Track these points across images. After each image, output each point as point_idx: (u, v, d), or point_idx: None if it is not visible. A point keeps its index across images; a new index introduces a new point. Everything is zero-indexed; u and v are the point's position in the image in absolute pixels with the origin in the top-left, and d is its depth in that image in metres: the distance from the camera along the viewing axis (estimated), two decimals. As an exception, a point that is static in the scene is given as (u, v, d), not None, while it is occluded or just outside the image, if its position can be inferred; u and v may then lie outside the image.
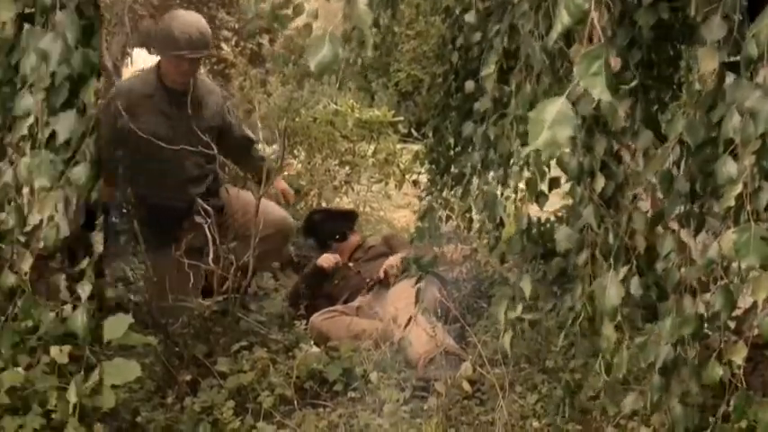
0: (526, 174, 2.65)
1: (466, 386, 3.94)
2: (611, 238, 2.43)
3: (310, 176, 7.18)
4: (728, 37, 2.16)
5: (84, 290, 2.62)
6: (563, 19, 1.90)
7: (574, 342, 2.92)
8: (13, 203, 2.56)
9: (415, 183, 6.56)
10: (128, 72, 7.58)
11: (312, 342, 4.57)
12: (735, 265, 2.26)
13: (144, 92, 4.78)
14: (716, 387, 2.42)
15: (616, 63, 2.17)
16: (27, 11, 2.49)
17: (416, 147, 5.80)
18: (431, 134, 4.52)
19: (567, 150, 2.43)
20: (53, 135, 2.47)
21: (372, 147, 7.61)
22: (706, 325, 2.54)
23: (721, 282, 2.31)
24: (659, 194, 2.42)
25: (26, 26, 2.48)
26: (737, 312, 3.02)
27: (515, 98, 2.66)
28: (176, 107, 4.76)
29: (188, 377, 4.03)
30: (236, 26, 7.75)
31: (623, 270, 2.45)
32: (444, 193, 4.62)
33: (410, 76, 8.16)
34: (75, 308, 2.63)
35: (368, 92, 8.82)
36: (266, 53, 7.81)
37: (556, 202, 3.09)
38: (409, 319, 4.08)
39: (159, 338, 4.11)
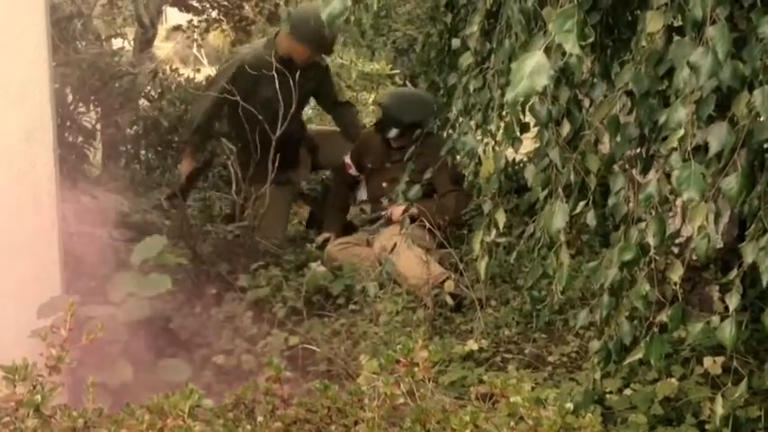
0: (503, 121, 2.65)
1: (449, 300, 3.98)
2: (571, 177, 2.44)
3: (320, 120, 7.16)
4: (673, 2, 2.16)
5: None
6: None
7: (529, 265, 2.93)
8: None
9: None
10: (162, 28, 7.51)
11: (320, 263, 4.58)
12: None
13: (267, 61, 4.86)
14: (658, 303, 2.44)
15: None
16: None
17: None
18: (425, 86, 4.53)
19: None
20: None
21: (372, 95, 7.57)
22: (654, 250, 2.56)
23: (654, 213, 2.32)
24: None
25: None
26: (682, 240, 3.05)
27: (496, 54, 2.65)
28: (290, 73, 4.82)
29: (213, 291, 4.07)
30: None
31: (581, 204, 2.47)
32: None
33: (406, 35, 8.11)
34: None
35: (369, 48, 8.75)
36: (282, 12, 7.73)
37: (528, 145, 3.08)
38: (394, 245, 4.08)
39: (189, 258, 4.15)
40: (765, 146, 2.28)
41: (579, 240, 3.63)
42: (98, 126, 6.79)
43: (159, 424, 2.11)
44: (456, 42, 3.10)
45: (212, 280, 4.13)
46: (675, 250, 2.88)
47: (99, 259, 4.79)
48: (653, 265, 2.42)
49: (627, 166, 2.51)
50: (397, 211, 4.44)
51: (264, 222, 4.65)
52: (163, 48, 11.00)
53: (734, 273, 2.29)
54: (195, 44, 9.43)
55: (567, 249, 2.50)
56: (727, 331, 2.27)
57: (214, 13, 8.51)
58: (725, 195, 2.19)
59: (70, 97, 6.36)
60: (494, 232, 2.69)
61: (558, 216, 2.41)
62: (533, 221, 2.70)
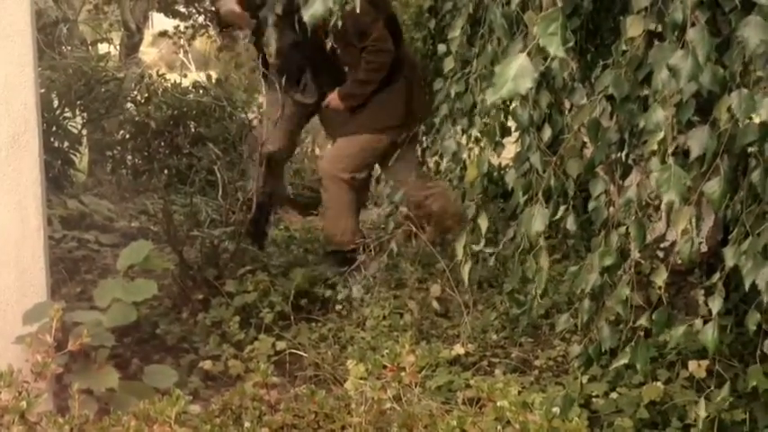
0: (486, 125, 2.67)
1: (435, 305, 4.00)
2: (552, 181, 2.45)
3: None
4: (653, 6, 2.18)
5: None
6: (523, -16, 1.91)
7: (510, 269, 2.95)
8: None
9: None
10: (148, 33, 7.51)
11: None
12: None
13: None
14: (638, 307, 2.46)
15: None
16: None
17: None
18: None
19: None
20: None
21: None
22: (638, 254, 2.57)
23: (634, 218, 2.34)
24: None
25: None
26: (667, 244, 3.08)
27: (478, 58, 2.67)
28: None
29: (200, 296, 4.07)
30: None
31: (561, 208, 2.49)
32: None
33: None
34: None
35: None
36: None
37: (513, 149, 3.10)
38: None
39: (175, 263, 4.15)
40: (748, 150, 2.31)
41: (565, 245, 3.64)
42: (84, 131, 6.78)
43: (146, 430, 2.11)
44: (441, 48, 3.12)
45: (199, 285, 4.13)
46: (660, 254, 2.91)
47: (85, 264, 4.80)
48: (636, 270, 2.44)
49: (607, 171, 2.53)
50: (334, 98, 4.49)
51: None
52: (149, 53, 11.00)
53: (716, 276, 2.31)
54: (182, 49, 9.44)
55: (547, 253, 2.51)
56: (710, 334, 2.29)
57: (201, 19, 8.54)
58: (708, 199, 2.21)
59: (56, 102, 6.36)
60: (477, 239, 2.70)
61: (537, 220, 2.43)
62: (514, 225, 2.71)
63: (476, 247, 2.75)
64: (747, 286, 2.20)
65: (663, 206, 2.23)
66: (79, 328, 2.66)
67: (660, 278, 2.37)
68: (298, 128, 4.98)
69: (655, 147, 2.13)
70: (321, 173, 4.66)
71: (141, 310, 3.22)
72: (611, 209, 2.41)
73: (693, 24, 2.04)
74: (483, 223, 2.69)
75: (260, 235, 4.81)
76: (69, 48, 6.93)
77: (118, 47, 8.08)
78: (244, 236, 4.51)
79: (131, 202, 6.34)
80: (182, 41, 8.80)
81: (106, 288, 3.03)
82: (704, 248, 3.04)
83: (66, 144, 6.46)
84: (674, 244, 2.72)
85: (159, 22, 9.26)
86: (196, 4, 8.39)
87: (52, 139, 6.23)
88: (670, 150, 2.12)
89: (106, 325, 2.89)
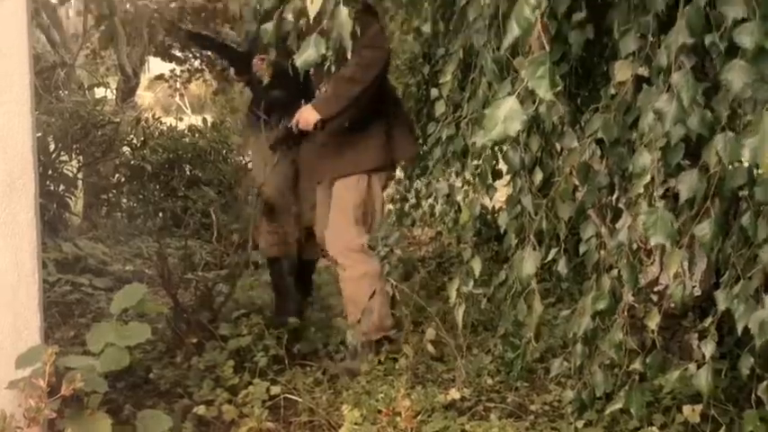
0: (478, 168, 2.70)
1: (430, 348, 3.99)
2: (543, 224, 2.48)
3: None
4: (641, 51, 2.23)
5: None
6: (513, 30, 1.94)
7: (503, 313, 2.95)
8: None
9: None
10: (145, 77, 7.59)
11: None
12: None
13: None
14: (632, 351, 2.46)
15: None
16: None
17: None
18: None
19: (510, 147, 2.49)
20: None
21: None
22: (632, 298, 2.59)
23: (626, 261, 2.36)
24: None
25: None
26: (660, 287, 3.09)
27: (469, 102, 2.71)
28: None
29: (194, 340, 4.06)
30: (238, 40, 7.77)
31: (553, 251, 2.51)
32: (415, 183, 4.69)
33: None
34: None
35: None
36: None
37: (506, 192, 3.13)
38: None
39: (169, 306, 4.15)
40: (739, 193, 2.34)
41: (559, 288, 3.65)
42: (80, 174, 6.81)
43: (137, 475, 2.10)
44: (434, 92, 3.17)
45: (193, 329, 4.12)
46: (654, 298, 2.92)
47: (78, 308, 4.79)
48: (630, 313, 2.45)
49: (598, 214, 2.55)
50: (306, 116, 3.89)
51: None
52: (145, 96, 11.08)
53: (709, 320, 2.32)
54: (178, 93, 9.53)
55: (539, 296, 2.52)
56: (704, 379, 2.30)
57: (196, 63, 8.63)
58: (699, 242, 2.23)
59: (53, 146, 6.39)
60: (471, 282, 2.71)
61: (528, 262, 2.44)
62: (507, 268, 2.72)
63: (467, 290, 2.76)
64: (740, 330, 2.22)
65: (654, 249, 2.25)
66: (72, 373, 2.65)
67: (653, 322, 2.38)
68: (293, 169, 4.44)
69: (641, 190, 2.16)
70: (330, 250, 4.03)
71: (135, 355, 3.22)
72: (603, 252, 2.43)
73: (679, 68, 2.08)
74: (476, 266, 2.71)
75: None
76: (66, 92, 6.99)
77: (115, 91, 8.15)
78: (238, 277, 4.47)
79: (126, 245, 6.35)
80: (178, 85, 8.89)
81: (99, 332, 3.02)
82: (698, 292, 3.04)
83: (61, 187, 6.50)
84: (667, 287, 2.74)
85: (155, 65, 9.35)
86: (192, 49, 8.49)
87: (48, 183, 6.26)
88: (657, 193, 2.15)
89: (99, 370, 2.87)
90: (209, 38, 5.21)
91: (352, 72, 3.67)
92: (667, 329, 3.28)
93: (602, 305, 2.39)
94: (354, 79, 3.68)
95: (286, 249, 4.30)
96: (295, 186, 4.45)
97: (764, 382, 2.40)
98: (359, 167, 3.94)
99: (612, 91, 2.32)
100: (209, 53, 8.05)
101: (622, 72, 2.27)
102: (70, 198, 6.63)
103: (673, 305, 2.57)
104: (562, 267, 2.54)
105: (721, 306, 2.26)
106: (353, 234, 3.94)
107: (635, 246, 2.35)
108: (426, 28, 3.38)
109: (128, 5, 7.98)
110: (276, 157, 4.29)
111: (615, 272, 2.37)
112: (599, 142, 2.38)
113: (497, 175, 2.70)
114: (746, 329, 2.23)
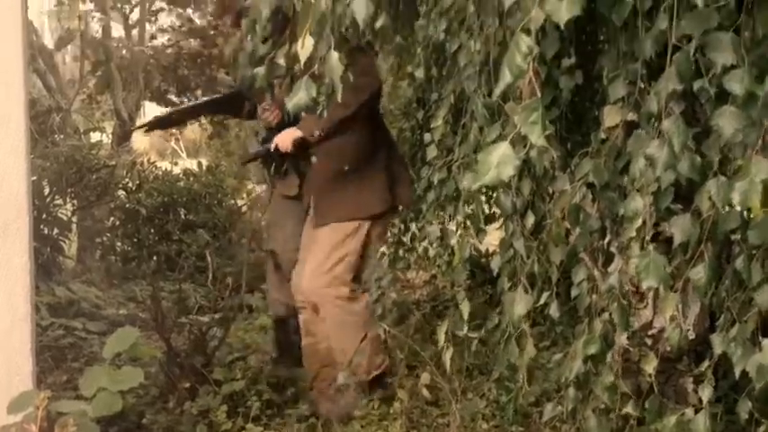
0: (469, 211, 2.71)
1: (425, 393, 3.97)
2: (536, 267, 2.48)
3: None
4: (630, 97, 2.25)
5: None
6: (505, 77, 1.96)
7: (497, 356, 2.93)
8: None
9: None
10: (140, 122, 7.64)
11: None
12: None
13: None
14: (624, 395, 2.45)
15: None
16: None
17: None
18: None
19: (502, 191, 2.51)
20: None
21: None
22: (626, 341, 2.58)
23: (617, 304, 2.36)
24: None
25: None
26: (654, 331, 3.08)
27: (460, 146, 2.73)
28: None
29: (187, 384, 4.03)
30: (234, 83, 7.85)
31: (545, 294, 2.51)
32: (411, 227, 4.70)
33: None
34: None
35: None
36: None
37: (498, 236, 3.14)
38: None
39: (163, 350, 4.13)
40: (732, 237, 2.35)
41: (554, 332, 3.65)
42: (74, 218, 6.82)
43: None
44: (428, 137, 3.19)
45: (186, 373, 4.10)
46: (649, 342, 2.92)
47: (71, 352, 4.77)
48: (624, 357, 2.44)
49: (590, 257, 2.56)
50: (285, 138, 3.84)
51: None
52: (141, 141, 11.14)
53: (705, 364, 2.32)
54: (173, 137, 9.58)
55: (531, 339, 2.52)
56: (701, 424, 2.28)
57: (192, 108, 8.67)
58: (694, 286, 2.23)
59: (47, 189, 6.41)
60: (463, 325, 2.71)
61: (519, 304, 2.43)
62: (499, 312, 2.72)
63: (460, 333, 2.75)
64: (738, 374, 2.21)
65: (647, 292, 2.25)
66: (65, 419, 2.63)
67: (650, 366, 2.38)
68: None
69: (633, 233, 2.17)
70: (304, 295, 3.94)
71: (127, 399, 3.19)
72: (594, 296, 2.43)
73: (669, 114, 2.10)
74: (465, 308, 2.70)
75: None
76: (62, 136, 7.03)
77: (110, 135, 8.19)
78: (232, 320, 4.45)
79: (120, 288, 6.34)
80: (173, 129, 8.94)
81: (92, 376, 3.01)
82: (692, 335, 3.04)
83: (55, 231, 6.50)
84: (662, 331, 2.74)
85: (151, 110, 9.43)
86: (188, 93, 8.56)
87: (42, 227, 6.27)
88: (648, 237, 2.16)
89: (91, 415, 2.86)
90: (191, 108, 5.18)
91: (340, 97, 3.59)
92: (662, 373, 3.27)
93: (593, 349, 2.38)
94: (341, 102, 3.33)
95: (294, 309, 4.20)
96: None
97: (762, 426, 2.38)
98: (362, 213, 3.89)
99: (603, 135, 2.34)
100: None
101: (611, 117, 2.29)
102: (64, 242, 6.63)
103: (669, 348, 2.57)
104: (554, 311, 2.54)
105: (717, 350, 2.25)
106: (340, 280, 3.89)
107: (626, 288, 2.35)
108: (419, 73, 3.43)
109: (124, 51, 8.07)
110: (288, 222, 4.24)
111: (607, 315, 2.37)
112: (590, 186, 2.39)
113: (490, 219, 2.72)
114: (744, 373, 2.22)
